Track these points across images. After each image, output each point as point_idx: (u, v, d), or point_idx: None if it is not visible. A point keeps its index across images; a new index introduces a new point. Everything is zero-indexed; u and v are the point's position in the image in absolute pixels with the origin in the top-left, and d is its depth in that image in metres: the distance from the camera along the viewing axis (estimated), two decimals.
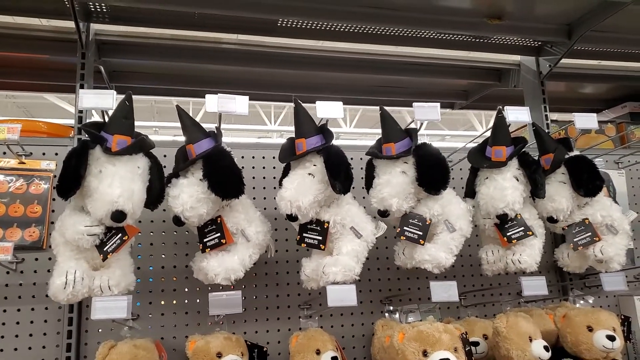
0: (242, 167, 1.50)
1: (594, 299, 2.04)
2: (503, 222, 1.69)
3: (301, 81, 2.59)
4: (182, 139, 1.52)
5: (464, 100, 2.88)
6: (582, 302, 1.95)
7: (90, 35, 1.87)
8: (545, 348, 1.60)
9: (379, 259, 1.96)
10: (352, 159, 1.55)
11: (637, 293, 2.13)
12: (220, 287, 1.52)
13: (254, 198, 1.78)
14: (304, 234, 1.56)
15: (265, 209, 1.86)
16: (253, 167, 1.94)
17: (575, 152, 1.85)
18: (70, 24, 1.80)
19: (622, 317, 2.02)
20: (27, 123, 1.74)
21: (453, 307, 1.99)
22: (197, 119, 1.56)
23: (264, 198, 1.91)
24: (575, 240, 1.79)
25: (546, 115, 2.35)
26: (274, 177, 1.94)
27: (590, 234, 1.78)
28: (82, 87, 1.79)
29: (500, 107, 1.67)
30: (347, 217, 1.55)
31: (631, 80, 2.77)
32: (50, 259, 1.64)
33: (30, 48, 2.08)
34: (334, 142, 1.56)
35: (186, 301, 1.77)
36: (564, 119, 2.73)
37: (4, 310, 1.62)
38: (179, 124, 1.50)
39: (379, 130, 1.64)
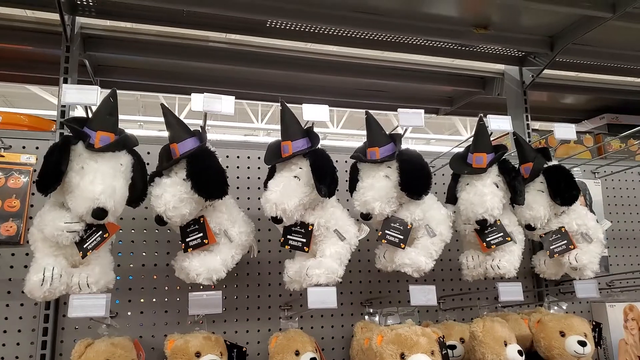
0: (227, 167, 1.50)
1: (568, 305, 2.09)
2: (483, 227, 1.72)
3: (288, 82, 2.59)
4: (167, 134, 1.51)
5: (449, 106, 2.93)
6: (556, 308, 1.99)
7: (76, 28, 1.85)
8: (520, 352, 1.64)
9: (360, 261, 1.98)
10: (337, 161, 1.56)
11: (608, 300, 2.18)
12: (201, 287, 1.51)
13: (238, 198, 1.78)
14: (288, 236, 1.56)
15: (248, 209, 1.86)
16: (238, 167, 1.94)
17: (554, 162, 1.89)
18: (56, 16, 1.77)
19: (594, 323, 2.07)
20: (7, 115, 1.71)
21: (432, 310, 2.02)
22: (183, 116, 1.56)
23: (248, 198, 1.91)
24: (551, 247, 1.83)
25: (528, 124, 2.40)
26: (259, 178, 1.94)
27: (565, 242, 1.82)
28: (65, 80, 1.76)
29: (482, 114, 1.70)
30: (331, 220, 1.56)
31: (609, 93, 2.85)
32: (27, 254, 1.61)
33: (14, 39, 2.04)
34: (320, 143, 1.57)
35: (166, 300, 1.76)
36: (545, 128, 2.79)
37: None
38: (163, 119, 1.49)
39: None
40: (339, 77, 2.51)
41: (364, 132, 1.67)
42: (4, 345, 1.58)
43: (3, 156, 1.65)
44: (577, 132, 2.43)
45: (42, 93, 7.76)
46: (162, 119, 1.51)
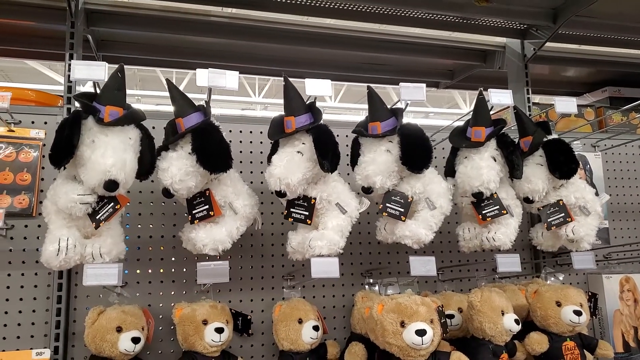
0: (230, 141, 1.53)
1: (565, 276, 2.14)
2: (479, 200, 1.75)
3: (288, 56, 2.59)
4: (166, 108, 1.54)
5: (449, 79, 2.92)
6: (552, 279, 2.04)
7: (80, 4, 1.85)
8: (516, 321, 1.69)
9: (361, 233, 2.03)
10: (337, 136, 1.58)
11: (605, 271, 2.23)
12: (207, 258, 1.56)
13: (241, 172, 1.81)
14: (291, 209, 1.60)
15: (252, 182, 1.90)
16: (240, 142, 1.97)
17: (554, 135, 1.91)
18: None
19: (590, 293, 2.13)
20: (15, 91, 1.73)
21: (431, 281, 2.08)
22: (181, 89, 1.57)
23: (251, 172, 1.95)
24: (549, 220, 1.87)
25: (528, 98, 2.41)
26: (261, 152, 1.97)
27: (563, 214, 1.85)
28: (71, 56, 1.78)
29: (482, 88, 1.71)
30: (333, 193, 1.60)
31: (612, 66, 2.83)
32: (39, 226, 1.66)
33: (17, 14, 2.04)
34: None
35: (173, 270, 1.81)
36: (547, 102, 2.79)
37: None
38: (162, 93, 1.52)
39: (364, 106, 1.68)
40: (339, 51, 2.51)
41: (363, 106, 1.69)
42: (20, 312, 1.65)
43: (13, 131, 1.69)
44: (578, 106, 2.42)
45: (41, 68, 7.71)
46: (160, 93, 1.54)
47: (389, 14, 2.17)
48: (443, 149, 2.14)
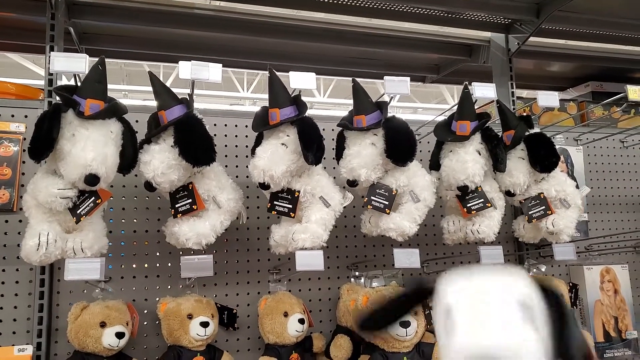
0: (214, 135, 1.52)
1: (547, 267, 2.17)
2: (464, 193, 1.77)
3: (275, 50, 2.58)
4: (153, 103, 1.52)
5: (435, 74, 2.94)
6: (535, 270, 2.08)
7: None
8: None
9: (347, 227, 2.03)
10: (323, 129, 1.58)
11: (586, 263, 2.27)
12: (192, 252, 1.56)
13: (226, 166, 1.81)
14: (275, 202, 1.60)
15: (237, 177, 1.89)
16: (225, 135, 1.96)
17: (536, 130, 1.93)
18: None
19: (571, 284, 2.17)
20: None
21: (415, 273, 2.09)
22: (168, 84, 1.56)
23: (236, 166, 1.94)
24: (530, 213, 1.90)
25: (512, 92, 2.43)
26: (246, 146, 1.96)
27: (543, 207, 1.88)
28: (52, 49, 1.75)
29: (467, 82, 1.73)
30: (317, 187, 1.60)
31: (595, 61, 2.87)
32: (20, 221, 1.64)
33: None
34: (307, 112, 1.59)
35: (157, 265, 1.80)
36: (531, 96, 2.82)
37: None
38: (148, 88, 1.50)
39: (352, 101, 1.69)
40: (325, 45, 2.50)
41: (351, 101, 1.70)
42: (1, 308, 1.62)
43: None
44: (560, 100, 2.46)
45: (24, 62, 7.59)
46: (147, 88, 1.53)
47: (377, 7, 2.17)
48: (428, 142, 2.15)
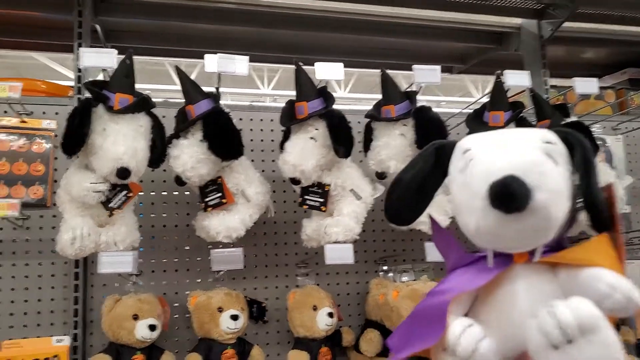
0: (240, 129, 1.51)
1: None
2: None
3: (298, 42, 2.55)
4: (175, 100, 1.52)
5: (463, 64, 2.86)
6: None
7: None
8: None
9: (375, 220, 1.99)
10: (349, 122, 1.56)
11: (626, 257, 2.18)
12: (220, 246, 1.56)
13: (253, 160, 1.80)
14: (306, 197, 1.59)
15: (263, 171, 1.88)
16: (251, 130, 1.96)
17: (573, 118, 1.86)
18: None
19: None
20: (26, 82, 1.73)
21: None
22: None
23: (262, 160, 1.93)
24: None
25: (546, 81, 2.35)
26: (272, 140, 1.95)
27: None
28: (79, 46, 1.77)
29: (499, 71, 1.67)
30: (347, 180, 1.59)
31: (632, 46, 2.74)
32: (54, 216, 1.68)
33: (23, 5, 2.03)
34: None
35: (187, 259, 1.81)
36: (563, 85, 2.72)
37: (13, 265, 1.67)
38: (170, 87, 1.51)
39: (374, 95, 1.65)
40: (349, 36, 2.45)
41: (373, 95, 1.66)
42: (39, 300, 1.67)
43: (25, 122, 1.69)
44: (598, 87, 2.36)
45: (51, 64, 7.75)
46: (168, 87, 1.53)
47: None
48: (458, 134, 2.10)
